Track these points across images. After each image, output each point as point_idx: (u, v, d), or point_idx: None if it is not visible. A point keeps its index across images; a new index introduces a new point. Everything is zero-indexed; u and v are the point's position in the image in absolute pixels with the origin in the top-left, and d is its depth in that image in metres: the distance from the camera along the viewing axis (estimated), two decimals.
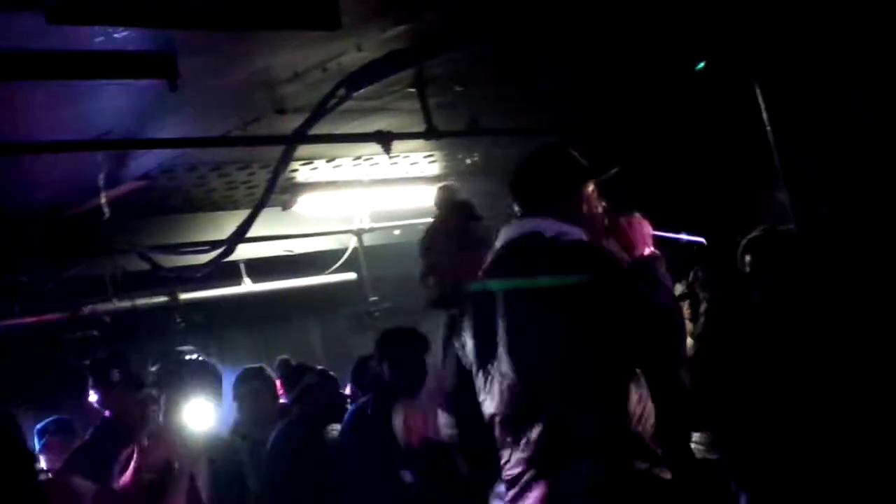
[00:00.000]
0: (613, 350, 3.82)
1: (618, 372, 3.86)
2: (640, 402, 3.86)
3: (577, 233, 3.99)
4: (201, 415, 4.83)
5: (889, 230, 5.82)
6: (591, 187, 4.17)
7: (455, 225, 4.63)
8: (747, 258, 5.47)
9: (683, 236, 4.61)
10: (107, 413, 5.61)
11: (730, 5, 5.87)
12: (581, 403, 3.83)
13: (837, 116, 6.34)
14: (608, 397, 3.82)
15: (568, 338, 3.85)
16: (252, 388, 7.04)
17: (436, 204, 4.76)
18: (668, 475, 3.83)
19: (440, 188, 4.79)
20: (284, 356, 8.90)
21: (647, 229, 4.19)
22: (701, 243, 4.67)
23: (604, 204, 4.20)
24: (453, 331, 4.40)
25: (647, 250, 4.13)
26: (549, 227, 4.00)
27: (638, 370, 3.90)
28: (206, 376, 5.16)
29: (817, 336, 5.21)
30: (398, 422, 4.81)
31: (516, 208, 4.19)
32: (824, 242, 5.84)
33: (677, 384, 4.35)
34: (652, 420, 3.89)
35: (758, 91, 6.41)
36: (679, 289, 5.96)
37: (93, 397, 6.11)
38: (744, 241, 5.55)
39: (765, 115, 6.40)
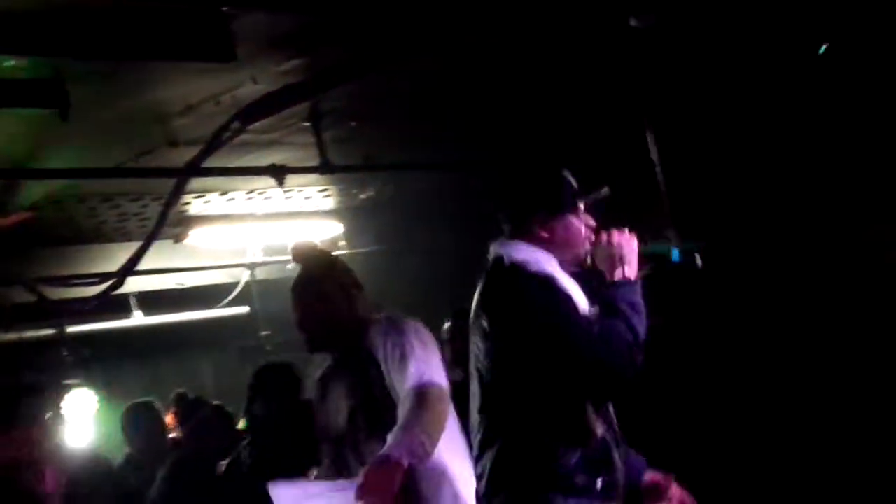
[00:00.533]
0: (540, 385, 3.81)
1: (547, 406, 3.83)
2: (583, 433, 3.84)
3: (535, 263, 3.93)
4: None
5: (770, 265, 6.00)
6: (575, 210, 4.06)
7: (312, 277, 4.78)
8: None
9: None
10: None
11: (623, 53, 5.95)
12: (514, 437, 3.85)
13: (724, 157, 6.53)
14: (538, 431, 3.82)
15: (503, 368, 3.89)
16: (139, 422, 6.95)
17: (294, 259, 4.91)
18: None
19: (296, 245, 4.93)
20: (181, 390, 8.81)
21: (630, 247, 3.98)
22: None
23: (590, 223, 4.08)
24: (334, 371, 4.63)
25: (629, 271, 3.94)
26: (513, 253, 3.99)
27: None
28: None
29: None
30: None
31: (505, 227, 4.14)
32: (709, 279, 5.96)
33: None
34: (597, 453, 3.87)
35: (648, 131, 6.55)
36: None
37: None
38: None
39: (654, 155, 6.53)
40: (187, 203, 7.82)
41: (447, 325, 5.83)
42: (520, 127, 7.45)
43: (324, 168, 6.66)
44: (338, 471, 4.57)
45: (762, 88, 6.73)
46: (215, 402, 7.36)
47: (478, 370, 3.96)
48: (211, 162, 6.16)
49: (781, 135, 6.95)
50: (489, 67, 6.04)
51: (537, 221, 4.02)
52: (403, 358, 4.39)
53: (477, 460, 3.94)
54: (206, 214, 8.30)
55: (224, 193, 7.87)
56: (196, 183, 6.88)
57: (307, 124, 6.36)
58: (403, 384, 4.35)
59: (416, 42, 5.26)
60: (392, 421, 4.25)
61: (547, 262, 3.94)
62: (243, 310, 9.50)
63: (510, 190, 4.21)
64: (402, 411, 4.26)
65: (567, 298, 3.86)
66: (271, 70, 5.38)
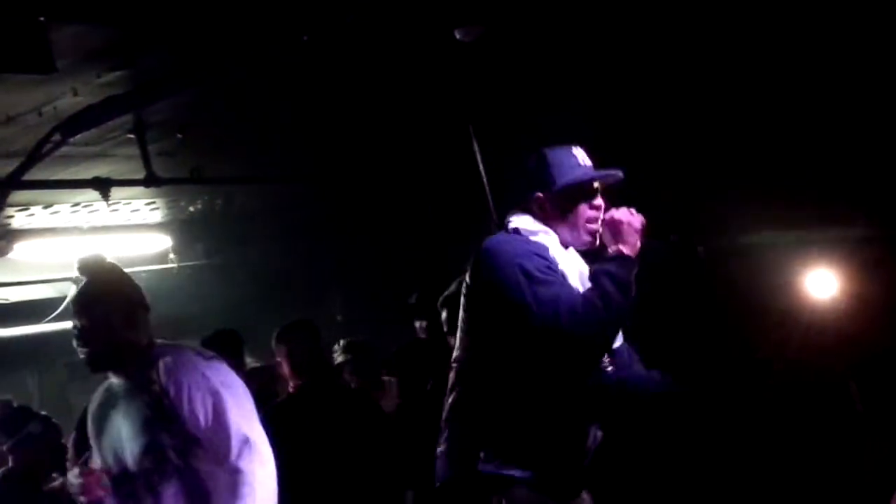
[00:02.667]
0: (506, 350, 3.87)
1: (507, 378, 3.88)
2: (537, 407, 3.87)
3: (533, 233, 3.97)
4: None
5: None
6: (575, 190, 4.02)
7: (98, 292, 4.39)
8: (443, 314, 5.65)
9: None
10: None
11: (448, 61, 6.04)
12: (474, 404, 3.93)
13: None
14: (495, 402, 3.88)
15: (474, 338, 3.98)
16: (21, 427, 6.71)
17: (80, 272, 4.53)
18: (516, 472, 3.83)
19: (83, 258, 4.57)
20: (6, 397, 8.55)
21: (630, 224, 3.92)
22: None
23: (596, 203, 4.03)
24: (117, 401, 4.28)
25: (624, 247, 3.88)
26: (518, 221, 4.04)
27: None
28: None
29: None
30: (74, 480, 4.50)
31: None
32: None
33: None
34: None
35: (473, 139, 6.66)
36: None
37: None
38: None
39: (479, 163, 6.65)
40: (10, 216, 7.66)
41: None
42: (349, 138, 7.49)
43: (149, 181, 6.61)
44: None
45: (590, 93, 6.89)
46: (43, 413, 7.18)
47: (458, 334, 4.05)
48: (33, 174, 6.08)
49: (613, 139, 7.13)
50: (317, 80, 6.07)
51: (534, 199, 4.05)
52: (217, 410, 4.07)
53: (446, 423, 4.00)
54: (30, 228, 8.14)
55: (48, 206, 7.72)
56: (18, 196, 6.76)
57: (132, 136, 6.30)
58: (223, 443, 4.06)
59: (236, 54, 5.26)
60: (189, 461, 4.07)
61: (545, 235, 3.98)
62: (69, 324, 9.30)
63: (517, 167, 4.21)
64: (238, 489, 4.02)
65: (551, 266, 3.86)
66: (92, 81, 5.33)
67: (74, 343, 4.27)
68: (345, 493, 5.59)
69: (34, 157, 5.90)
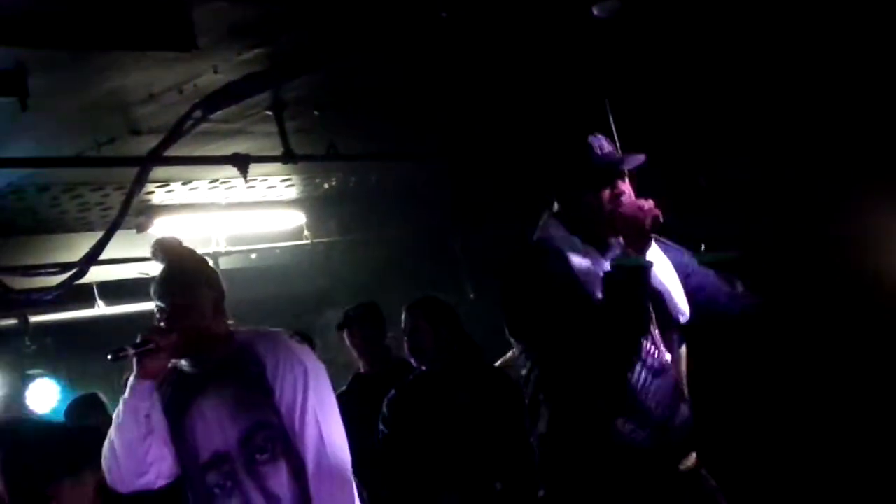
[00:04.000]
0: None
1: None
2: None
3: (551, 239, 3.96)
4: None
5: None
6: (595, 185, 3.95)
7: (188, 275, 4.22)
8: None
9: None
10: None
11: (585, 37, 5.98)
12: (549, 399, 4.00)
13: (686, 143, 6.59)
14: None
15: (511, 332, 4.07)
16: (83, 415, 6.86)
17: (161, 252, 4.25)
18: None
19: (161, 240, 4.32)
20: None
21: (637, 222, 3.81)
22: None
23: (617, 192, 3.93)
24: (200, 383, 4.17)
25: (637, 244, 3.80)
26: (540, 230, 4.06)
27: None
28: None
29: None
30: None
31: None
32: None
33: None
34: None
35: (609, 113, 6.60)
36: None
37: None
38: None
39: (616, 141, 6.57)
40: (150, 192, 7.81)
41: (403, 316, 5.83)
42: (483, 116, 7.48)
43: (286, 158, 6.68)
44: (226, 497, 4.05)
45: (727, 76, 6.78)
46: None
47: None
48: (173, 151, 6.16)
49: (746, 123, 7.01)
50: (452, 57, 6.06)
51: (558, 200, 4.05)
52: (304, 408, 4.01)
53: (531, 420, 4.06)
54: (169, 204, 8.29)
55: (187, 183, 7.86)
56: (159, 172, 6.86)
57: (270, 114, 6.37)
58: (303, 442, 4.01)
59: (377, 32, 5.27)
60: (292, 444, 4.00)
61: (565, 240, 3.95)
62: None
63: (546, 167, 4.18)
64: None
65: (565, 277, 3.83)
66: (233, 59, 5.38)
67: (160, 324, 4.05)
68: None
69: (175, 133, 5.98)
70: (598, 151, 3.98)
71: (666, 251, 4.03)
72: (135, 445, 3.97)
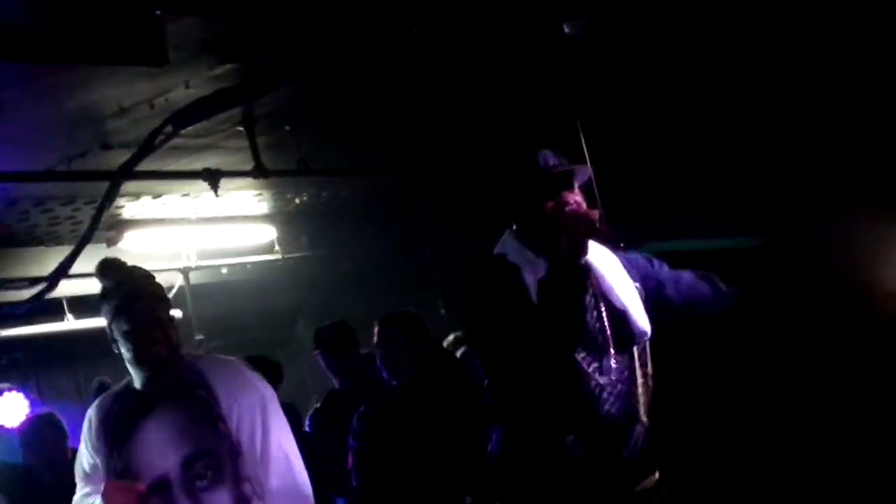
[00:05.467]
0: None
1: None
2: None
3: (508, 254, 4.01)
4: None
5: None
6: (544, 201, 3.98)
7: (160, 291, 4.17)
8: None
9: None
10: None
11: (556, 54, 6.01)
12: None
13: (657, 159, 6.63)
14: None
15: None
16: (39, 436, 6.76)
17: (112, 272, 4.17)
18: None
19: (111, 260, 4.25)
20: (103, 377, 8.63)
21: (576, 230, 3.84)
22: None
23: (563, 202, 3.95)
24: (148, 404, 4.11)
25: (574, 249, 3.84)
26: (498, 245, 4.10)
27: None
28: None
29: None
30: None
31: None
32: None
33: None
34: None
35: (580, 132, 6.63)
36: None
37: None
38: None
39: (587, 158, 6.61)
40: (120, 206, 7.80)
41: (376, 330, 5.83)
42: (453, 132, 7.50)
43: (257, 172, 6.68)
44: None
45: (696, 91, 6.83)
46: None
47: None
48: (144, 165, 6.16)
49: (714, 136, 7.06)
50: (424, 72, 6.08)
51: (509, 213, 4.08)
52: (265, 421, 4.01)
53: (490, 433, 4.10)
54: (140, 218, 8.27)
55: (157, 197, 7.85)
56: (129, 186, 6.86)
57: (241, 129, 6.37)
58: (265, 455, 4.00)
59: (346, 48, 5.29)
60: (235, 470, 3.95)
61: (518, 253, 3.97)
62: (177, 314, 9.41)
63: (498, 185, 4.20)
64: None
65: (512, 291, 3.85)
66: (204, 74, 5.39)
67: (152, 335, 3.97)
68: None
69: (146, 148, 5.98)
70: (542, 164, 4.00)
71: (629, 266, 4.06)
72: None
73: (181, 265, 9.10)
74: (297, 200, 8.85)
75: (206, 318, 9.27)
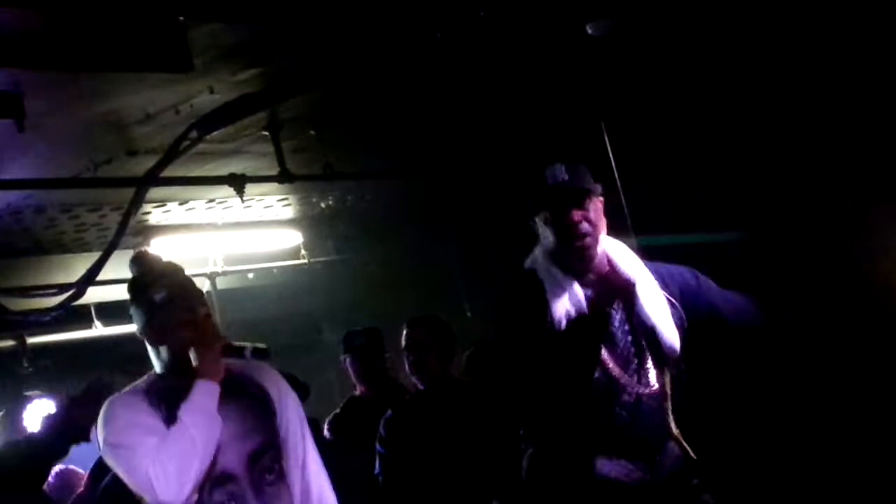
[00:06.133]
0: None
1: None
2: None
3: (533, 263, 4.08)
4: None
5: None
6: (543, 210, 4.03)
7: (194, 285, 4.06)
8: None
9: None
10: None
11: (579, 56, 6.00)
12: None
13: (678, 159, 6.61)
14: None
15: None
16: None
17: (148, 265, 4.03)
18: None
19: (145, 252, 4.15)
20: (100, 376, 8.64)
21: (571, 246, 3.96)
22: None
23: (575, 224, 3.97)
24: None
25: (575, 270, 4.00)
26: (529, 258, 4.14)
27: None
28: None
29: None
30: None
31: None
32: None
33: None
34: None
35: (605, 135, 6.62)
36: None
37: None
38: None
39: (611, 157, 6.60)
40: (147, 213, 7.82)
41: (404, 333, 5.83)
42: (479, 135, 7.49)
43: (283, 177, 6.69)
44: None
45: (721, 92, 6.80)
46: None
47: None
48: (170, 171, 6.17)
49: (739, 139, 7.02)
50: (448, 75, 6.08)
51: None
52: (304, 437, 3.96)
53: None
54: (166, 224, 8.30)
55: (184, 203, 7.86)
56: (155, 192, 6.88)
57: (266, 133, 6.39)
58: (306, 470, 3.96)
59: (370, 51, 5.29)
60: (290, 470, 3.92)
61: (545, 269, 3.99)
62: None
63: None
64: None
65: (537, 317, 3.87)
66: (228, 80, 5.40)
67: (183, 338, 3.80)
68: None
69: (171, 154, 5.99)
70: (550, 180, 3.99)
71: (665, 279, 4.04)
72: (210, 449, 3.66)
73: (208, 270, 9.11)
74: (322, 205, 8.85)
75: (232, 322, 9.29)
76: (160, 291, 3.85)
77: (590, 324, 3.86)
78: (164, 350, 3.86)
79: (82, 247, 8.31)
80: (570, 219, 3.93)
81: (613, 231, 4.15)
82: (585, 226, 3.93)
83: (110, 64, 4.69)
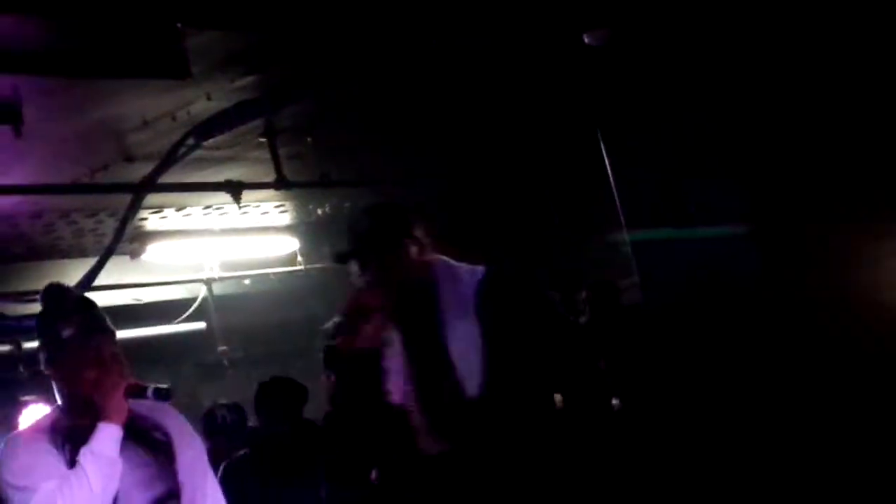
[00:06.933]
0: None
1: None
2: None
3: None
4: None
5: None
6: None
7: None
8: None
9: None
10: None
11: (577, 66, 6.02)
12: None
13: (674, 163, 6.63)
14: None
15: None
16: None
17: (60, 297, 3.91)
18: None
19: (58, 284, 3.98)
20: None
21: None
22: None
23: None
24: None
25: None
26: None
27: None
28: None
29: None
30: None
31: None
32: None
33: None
34: None
35: (601, 143, 6.63)
36: None
37: None
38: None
39: (608, 165, 6.61)
40: (144, 218, 7.83)
41: None
42: (476, 142, 7.51)
43: (279, 184, 6.69)
44: None
45: (716, 100, 6.81)
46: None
47: None
48: (167, 177, 6.19)
49: (736, 147, 7.03)
50: (446, 83, 6.09)
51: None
52: (204, 484, 3.80)
53: None
54: (163, 230, 8.30)
55: (180, 209, 7.88)
56: (152, 198, 6.89)
57: (263, 140, 6.39)
58: (199, 491, 3.77)
59: (366, 59, 5.31)
60: None
61: None
62: (200, 325, 9.47)
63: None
64: None
65: None
66: (225, 87, 5.42)
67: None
68: None
69: (168, 160, 6.02)
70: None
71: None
72: (109, 496, 3.55)
73: (204, 276, 9.12)
74: (319, 211, 8.86)
75: (229, 328, 9.30)
76: (68, 328, 3.68)
77: None
78: (67, 388, 3.70)
79: (79, 252, 8.30)
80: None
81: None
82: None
83: (108, 71, 4.71)
